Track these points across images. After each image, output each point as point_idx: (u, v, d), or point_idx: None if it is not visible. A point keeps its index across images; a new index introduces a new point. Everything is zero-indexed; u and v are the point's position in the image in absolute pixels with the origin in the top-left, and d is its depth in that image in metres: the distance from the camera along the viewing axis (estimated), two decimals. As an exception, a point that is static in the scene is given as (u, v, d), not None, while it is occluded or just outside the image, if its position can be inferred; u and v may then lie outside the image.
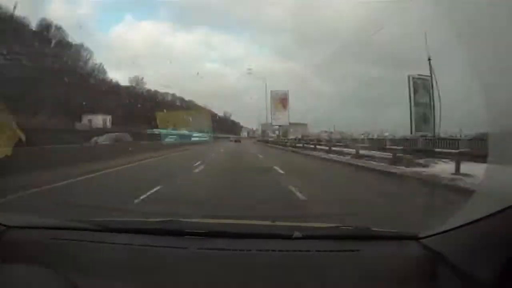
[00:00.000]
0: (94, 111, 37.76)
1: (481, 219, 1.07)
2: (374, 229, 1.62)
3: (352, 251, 1.41)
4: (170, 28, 72.34)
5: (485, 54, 1.39)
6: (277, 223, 1.89)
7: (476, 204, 1.40)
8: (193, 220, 2.06)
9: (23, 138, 2.16)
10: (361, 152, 14.95)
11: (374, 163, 12.45)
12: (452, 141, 15.14)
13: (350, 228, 1.69)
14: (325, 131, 54.23)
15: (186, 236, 1.50)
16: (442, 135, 18.06)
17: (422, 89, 18.99)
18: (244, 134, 63.94)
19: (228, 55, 76.94)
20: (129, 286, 1.23)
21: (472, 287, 1.01)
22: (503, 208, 0.96)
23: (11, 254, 1.43)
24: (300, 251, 1.41)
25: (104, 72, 43.81)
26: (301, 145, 26.60)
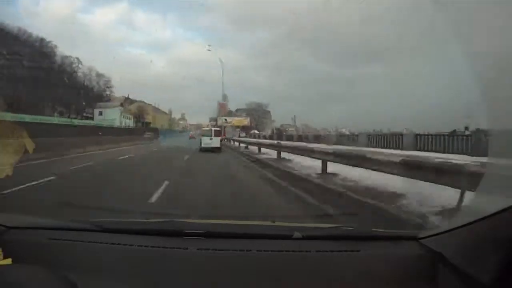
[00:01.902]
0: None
1: (481, 219, 1.07)
2: (374, 229, 1.63)
3: (352, 251, 1.41)
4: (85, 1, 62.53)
5: (484, 51, 1.39)
6: (277, 223, 1.90)
7: (476, 204, 1.40)
8: (193, 220, 2.07)
9: (31, 147, 2.00)
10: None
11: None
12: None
13: (350, 228, 1.69)
14: (289, 125, 51.66)
15: (186, 237, 1.50)
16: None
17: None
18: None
19: (153, 39, 69.85)
20: (129, 286, 1.23)
21: (472, 287, 1.01)
22: (503, 208, 0.96)
23: (11, 254, 1.43)
24: (300, 251, 1.41)
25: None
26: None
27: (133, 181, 8.73)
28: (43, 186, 7.34)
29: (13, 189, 6.15)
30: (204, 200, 5.85)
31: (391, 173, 5.94)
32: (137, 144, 27.94)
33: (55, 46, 44.54)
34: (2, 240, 1.47)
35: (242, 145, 25.74)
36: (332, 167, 8.95)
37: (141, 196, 6.00)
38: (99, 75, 48.64)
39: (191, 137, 38.08)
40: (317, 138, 24.79)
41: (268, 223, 1.86)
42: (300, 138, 27.00)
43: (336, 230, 1.66)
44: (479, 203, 1.35)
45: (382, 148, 15.13)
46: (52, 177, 8.39)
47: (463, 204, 3.61)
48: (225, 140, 33.28)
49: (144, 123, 48.33)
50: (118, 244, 1.49)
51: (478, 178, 1.41)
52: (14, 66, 35.12)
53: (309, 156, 10.53)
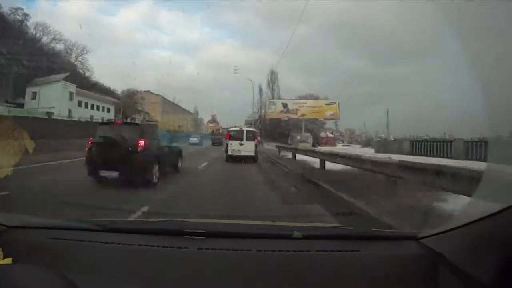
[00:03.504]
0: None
1: (481, 219, 1.07)
2: (374, 229, 1.63)
3: (352, 251, 1.41)
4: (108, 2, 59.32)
5: (485, 52, 1.39)
6: (277, 223, 1.90)
7: (476, 204, 1.39)
8: (193, 220, 2.07)
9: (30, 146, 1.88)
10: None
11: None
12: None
13: (350, 228, 1.69)
14: (330, 129, 47.20)
15: (186, 236, 1.50)
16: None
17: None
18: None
19: (179, 40, 67.34)
20: (129, 286, 1.23)
21: (472, 287, 1.01)
22: (503, 208, 0.96)
23: (11, 254, 1.43)
24: (300, 251, 1.41)
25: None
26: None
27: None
28: None
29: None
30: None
31: None
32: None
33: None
34: (2, 239, 1.47)
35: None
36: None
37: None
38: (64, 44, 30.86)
39: None
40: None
41: (268, 222, 1.86)
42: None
43: (336, 230, 1.66)
44: (479, 203, 1.35)
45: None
46: None
47: (463, 204, 3.61)
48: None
49: (145, 119, 31.49)
50: (118, 243, 1.48)
51: None
52: None
53: None
